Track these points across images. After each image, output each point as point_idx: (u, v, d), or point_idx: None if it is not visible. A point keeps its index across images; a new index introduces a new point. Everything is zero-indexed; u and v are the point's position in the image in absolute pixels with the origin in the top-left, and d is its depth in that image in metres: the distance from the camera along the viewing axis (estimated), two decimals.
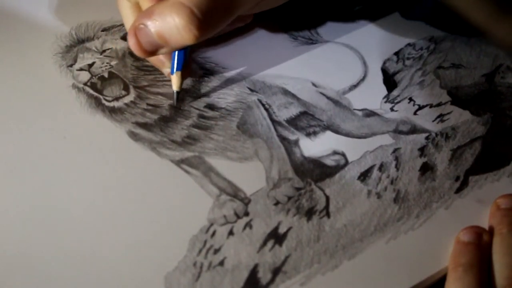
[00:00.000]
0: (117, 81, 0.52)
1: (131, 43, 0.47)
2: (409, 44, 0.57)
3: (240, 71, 0.53)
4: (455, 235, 0.46)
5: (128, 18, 0.51)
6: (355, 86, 0.54)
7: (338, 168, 0.49)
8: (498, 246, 0.45)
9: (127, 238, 0.45)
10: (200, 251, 0.45)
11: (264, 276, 0.44)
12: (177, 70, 0.49)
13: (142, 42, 0.47)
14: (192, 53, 0.54)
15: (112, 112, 0.50)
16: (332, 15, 0.57)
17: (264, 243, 0.45)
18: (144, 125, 0.50)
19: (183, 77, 0.50)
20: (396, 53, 0.56)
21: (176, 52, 0.49)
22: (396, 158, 0.50)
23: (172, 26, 0.45)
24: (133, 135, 0.49)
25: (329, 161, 0.50)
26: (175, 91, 0.50)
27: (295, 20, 0.57)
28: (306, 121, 0.52)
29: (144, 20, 0.46)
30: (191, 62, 0.52)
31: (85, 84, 0.52)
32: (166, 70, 0.51)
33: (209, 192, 0.47)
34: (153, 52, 0.47)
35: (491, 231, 0.47)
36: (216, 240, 0.45)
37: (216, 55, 0.54)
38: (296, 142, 0.50)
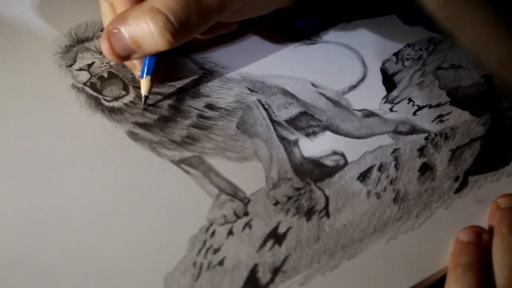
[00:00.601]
0: (117, 81, 0.52)
1: (104, 47, 0.47)
2: (408, 45, 0.57)
3: (239, 71, 0.54)
4: (455, 235, 0.46)
5: (107, 18, 0.51)
6: (354, 87, 0.54)
7: (337, 168, 0.49)
8: (498, 245, 0.45)
9: (127, 238, 0.45)
10: (199, 251, 0.45)
11: (263, 276, 0.44)
12: (146, 74, 0.49)
13: (115, 47, 0.47)
14: (191, 53, 0.54)
15: (112, 112, 0.50)
16: (332, 16, 0.57)
17: (264, 243, 0.45)
18: (143, 125, 0.50)
19: (153, 82, 0.50)
20: (396, 54, 0.56)
21: (148, 57, 0.49)
22: (396, 158, 0.50)
23: (146, 31, 0.45)
24: (133, 135, 0.49)
25: (329, 161, 0.50)
26: (143, 95, 0.50)
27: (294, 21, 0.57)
28: (306, 121, 0.52)
29: (118, 24, 0.46)
30: (164, 67, 0.52)
31: (85, 84, 0.52)
32: (136, 73, 0.51)
33: (208, 192, 0.47)
34: (126, 57, 0.47)
35: (491, 231, 0.47)
36: (216, 240, 0.45)
37: (215, 55, 0.54)
38: (295, 142, 0.50)
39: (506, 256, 0.45)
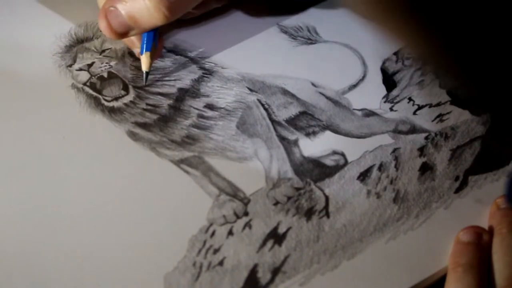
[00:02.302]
0: (117, 81, 0.52)
1: (102, 25, 0.48)
2: None
3: (239, 71, 0.53)
4: (455, 235, 0.46)
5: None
6: (354, 86, 0.54)
7: (337, 168, 0.49)
8: (498, 246, 0.45)
9: (127, 238, 0.45)
10: (199, 251, 0.45)
11: (263, 276, 0.44)
12: (146, 51, 0.50)
13: (113, 24, 0.48)
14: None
15: (112, 112, 0.50)
16: (332, 15, 0.57)
17: (264, 243, 0.45)
18: (143, 125, 0.50)
19: (152, 58, 0.50)
20: (396, 53, 0.56)
21: (146, 33, 0.49)
22: (396, 158, 0.50)
23: (142, 7, 0.47)
24: (133, 135, 0.49)
25: (329, 161, 0.50)
26: (144, 71, 0.50)
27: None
28: (306, 121, 0.52)
29: (114, 2, 0.47)
30: (162, 44, 0.53)
31: (85, 84, 0.52)
32: (136, 50, 0.52)
33: (208, 192, 0.47)
34: (124, 34, 0.48)
35: (491, 231, 0.47)
36: (216, 240, 0.45)
37: (215, 55, 0.54)
38: (295, 142, 0.50)
39: (506, 257, 0.45)
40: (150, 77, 0.52)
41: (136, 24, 0.48)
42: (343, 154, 0.50)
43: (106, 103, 0.51)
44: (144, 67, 0.50)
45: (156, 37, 0.50)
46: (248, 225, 0.46)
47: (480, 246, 0.45)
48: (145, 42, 0.50)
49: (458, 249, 0.46)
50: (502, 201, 0.48)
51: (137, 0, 0.47)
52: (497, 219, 0.47)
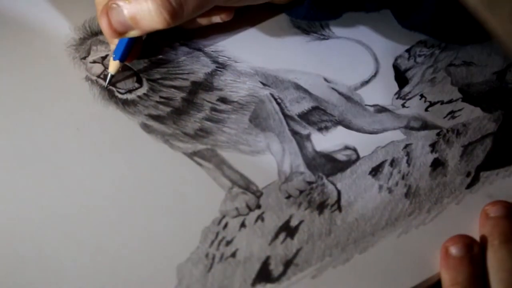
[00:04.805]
0: (130, 74, 0.52)
1: (102, 22, 0.48)
2: (420, 42, 0.57)
3: (252, 65, 0.54)
4: (466, 230, 0.46)
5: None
6: (366, 82, 0.54)
7: (349, 163, 0.49)
8: (492, 260, 0.44)
9: (140, 230, 0.45)
10: (212, 242, 0.45)
11: (276, 268, 0.44)
12: (116, 58, 0.50)
13: (113, 22, 0.47)
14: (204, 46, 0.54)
15: (125, 104, 0.51)
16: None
17: (276, 235, 0.46)
18: (157, 118, 0.50)
19: (124, 61, 0.51)
20: (408, 50, 0.57)
21: (122, 40, 0.49)
22: (408, 154, 0.50)
23: (144, 8, 0.46)
24: (146, 127, 0.49)
25: (341, 156, 0.50)
26: (109, 74, 0.51)
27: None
28: (318, 116, 0.52)
29: (117, 0, 0.47)
30: (140, 47, 0.52)
31: (98, 76, 0.52)
32: (112, 46, 0.51)
33: (221, 184, 0.47)
34: (123, 33, 0.48)
35: (481, 241, 0.46)
36: (228, 232, 0.45)
37: (229, 49, 0.54)
38: (308, 137, 0.51)
39: (500, 272, 0.44)
40: (163, 70, 0.52)
41: (137, 25, 0.47)
42: (355, 149, 0.50)
43: (119, 96, 0.51)
44: (111, 69, 0.51)
45: (130, 47, 0.50)
46: (260, 217, 0.46)
47: (472, 259, 0.44)
48: (119, 49, 0.50)
49: (452, 264, 0.44)
50: (491, 209, 0.47)
51: (140, 1, 0.46)
52: (488, 229, 0.46)
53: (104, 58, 0.53)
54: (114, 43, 0.50)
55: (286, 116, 0.51)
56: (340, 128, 0.51)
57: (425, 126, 0.52)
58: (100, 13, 0.48)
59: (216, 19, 0.52)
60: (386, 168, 0.49)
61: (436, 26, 0.54)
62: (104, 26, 0.48)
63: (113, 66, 0.50)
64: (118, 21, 0.47)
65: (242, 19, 0.55)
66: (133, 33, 0.48)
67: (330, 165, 0.49)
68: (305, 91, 0.53)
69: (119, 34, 0.48)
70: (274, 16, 0.56)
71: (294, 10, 0.54)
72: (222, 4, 0.50)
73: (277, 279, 0.44)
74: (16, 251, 0.43)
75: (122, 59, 0.50)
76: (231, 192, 0.47)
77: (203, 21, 0.52)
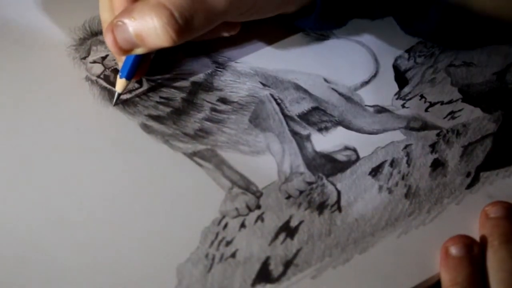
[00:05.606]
0: None
1: (108, 39, 0.47)
2: (420, 42, 0.57)
3: (252, 65, 0.54)
4: (466, 230, 0.46)
5: (104, 12, 0.51)
6: (366, 83, 0.54)
7: (349, 163, 0.49)
8: (492, 260, 0.44)
9: (140, 230, 0.45)
10: (212, 243, 0.45)
11: (275, 268, 0.44)
12: (122, 77, 0.49)
13: (118, 39, 0.47)
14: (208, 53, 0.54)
15: (125, 104, 0.51)
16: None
17: (276, 236, 0.46)
18: (157, 118, 0.50)
19: (128, 83, 0.50)
20: (408, 51, 0.57)
21: (129, 58, 0.49)
22: (407, 154, 0.50)
23: (150, 26, 0.45)
24: (146, 128, 0.49)
25: (341, 156, 0.50)
26: (116, 92, 0.50)
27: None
28: (318, 116, 0.52)
29: (123, 17, 0.46)
30: (149, 64, 0.52)
31: (98, 76, 0.52)
32: (120, 64, 0.51)
33: (221, 185, 0.47)
34: (129, 51, 0.47)
35: (481, 241, 0.46)
36: (228, 232, 0.45)
37: (229, 49, 0.54)
38: (307, 137, 0.51)
39: (500, 272, 0.44)
40: (166, 76, 0.52)
41: (142, 42, 0.46)
42: (355, 150, 0.50)
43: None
44: (118, 88, 0.50)
45: (137, 64, 0.50)
46: (260, 218, 0.46)
47: (472, 259, 0.44)
48: (126, 67, 0.49)
49: (451, 264, 0.45)
50: (491, 210, 0.47)
51: (146, 18, 0.45)
52: (488, 230, 0.46)
53: (104, 58, 0.53)
54: (121, 60, 0.50)
55: (286, 117, 0.51)
56: (340, 129, 0.51)
57: (425, 126, 0.52)
58: (105, 31, 0.47)
59: (223, 34, 0.52)
60: (386, 169, 0.49)
61: (441, 34, 0.54)
62: (109, 43, 0.47)
63: (120, 84, 0.50)
64: (124, 39, 0.47)
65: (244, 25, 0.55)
66: (139, 51, 0.47)
67: (330, 165, 0.49)
68: (305, 91, 0.53)
69: (125, 51, 0.47)
70: (263, 25, 0.56)
71: (301, 22, 0.54)
72: (230, 20, 0.50)
73: (277, 279, 0.44)
74: (16, 251, 0.43)
75: (128, 77, 0.50)
76: (231, 192, 0.47)
77: (209, 36, 0.51)
